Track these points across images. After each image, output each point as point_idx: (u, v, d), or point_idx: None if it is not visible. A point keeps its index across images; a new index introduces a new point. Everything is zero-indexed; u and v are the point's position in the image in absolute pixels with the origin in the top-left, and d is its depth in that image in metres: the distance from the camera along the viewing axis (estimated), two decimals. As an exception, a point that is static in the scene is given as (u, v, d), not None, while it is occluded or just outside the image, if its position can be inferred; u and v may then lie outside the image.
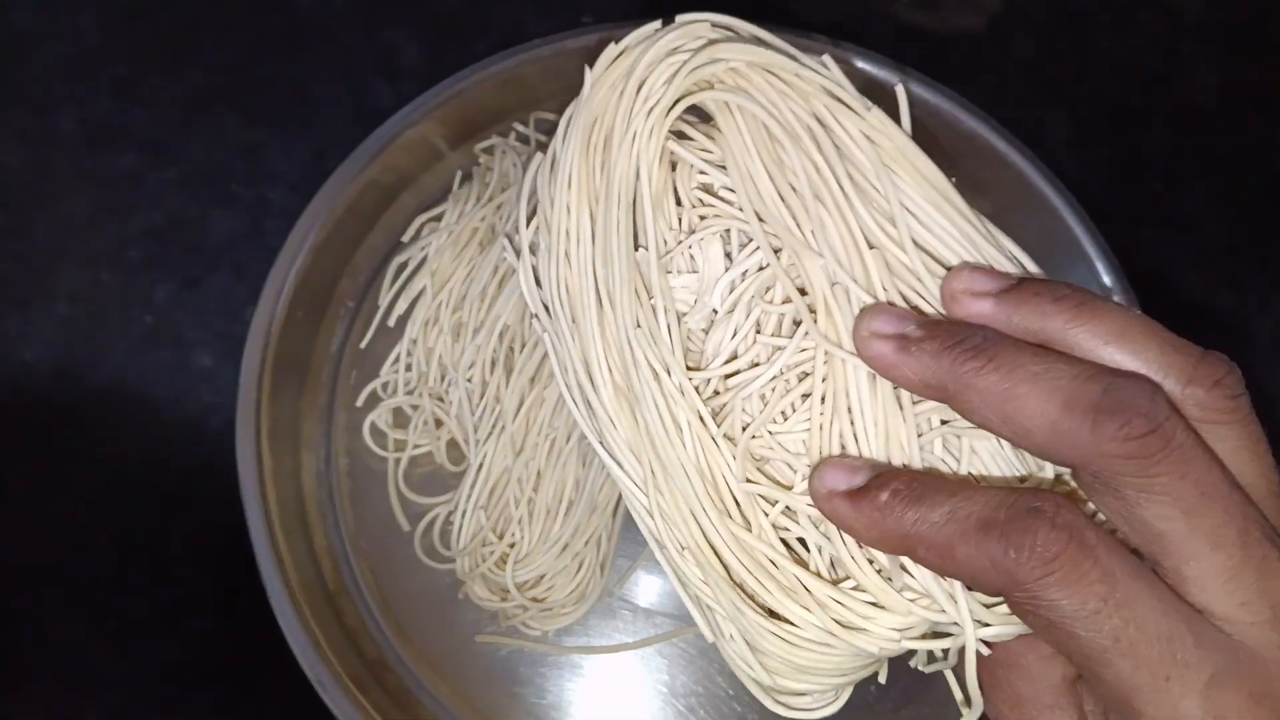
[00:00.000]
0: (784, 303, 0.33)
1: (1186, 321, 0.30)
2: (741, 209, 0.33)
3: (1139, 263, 0.51)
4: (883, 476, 0.28)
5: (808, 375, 0.32)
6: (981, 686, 0.29)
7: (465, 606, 0.47)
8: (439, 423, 0.48)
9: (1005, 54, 0.60)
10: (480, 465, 0.46)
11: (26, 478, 0.49)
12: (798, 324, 0.32)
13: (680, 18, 0.34)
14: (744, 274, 0.33)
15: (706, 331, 0.34)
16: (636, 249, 0.34)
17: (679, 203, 0.35)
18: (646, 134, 0.33)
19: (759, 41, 0.35)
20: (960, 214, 0.32)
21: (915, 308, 0.31)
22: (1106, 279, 0.50)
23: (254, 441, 0.45)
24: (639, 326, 0.33)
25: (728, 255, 0.34)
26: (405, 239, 0.51)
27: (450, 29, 0.57)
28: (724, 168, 0.34)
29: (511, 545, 0.46)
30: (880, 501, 0.28)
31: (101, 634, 0.48)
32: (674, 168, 0.35)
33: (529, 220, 0.36)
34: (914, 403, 0.30)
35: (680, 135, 0.35)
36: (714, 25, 0.35)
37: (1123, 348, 0.27)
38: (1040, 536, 0.25)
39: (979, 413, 0.27)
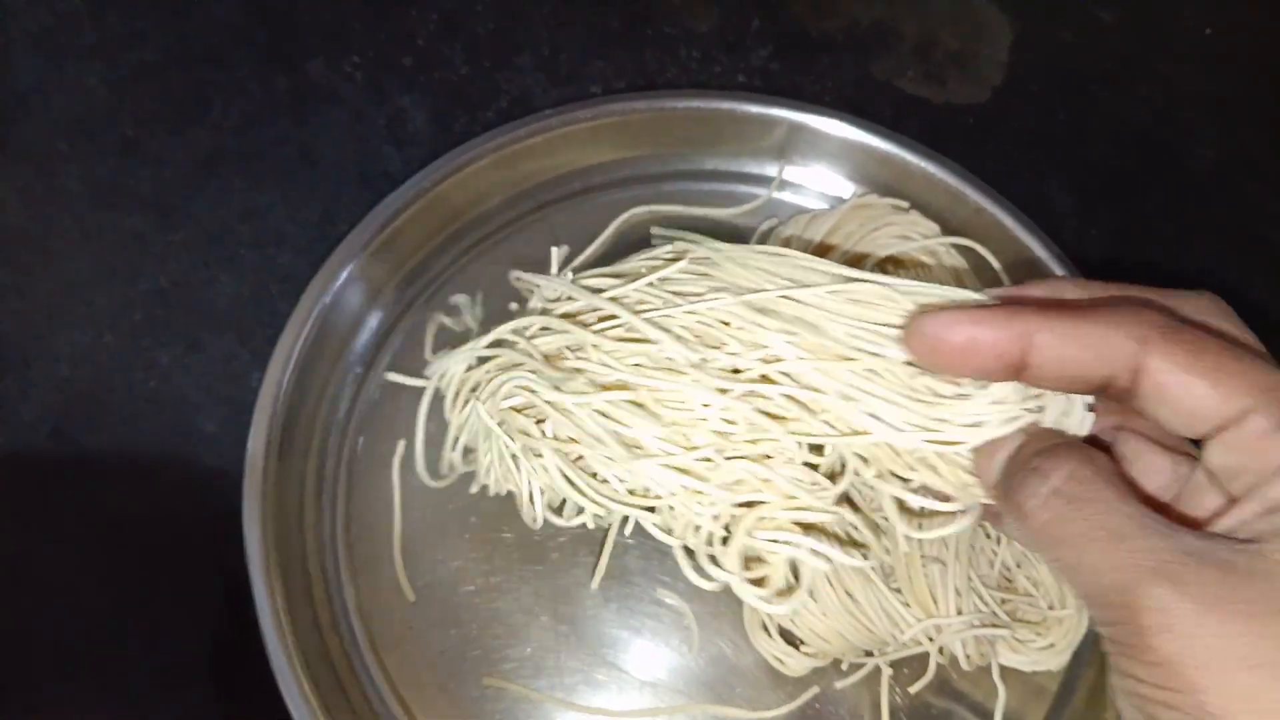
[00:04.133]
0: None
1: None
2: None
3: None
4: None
5: None
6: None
7: (468, 682, 0.46)
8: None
9: (1006, 124, 0.60)
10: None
11: (22, 538, 0.49)
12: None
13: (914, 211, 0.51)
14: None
15: None
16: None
17: None
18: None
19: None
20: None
21: None
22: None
23: (260, 511, 0.45)
24: None
25: None
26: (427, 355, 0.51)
27: (459, 95, 0.57)
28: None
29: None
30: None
31: (97, 698, 0.47)
32: None
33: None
34: None
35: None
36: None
37: None
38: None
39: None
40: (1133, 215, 0.59)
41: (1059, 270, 0.52)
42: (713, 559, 0.38)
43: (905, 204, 0.53)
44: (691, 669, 0.47)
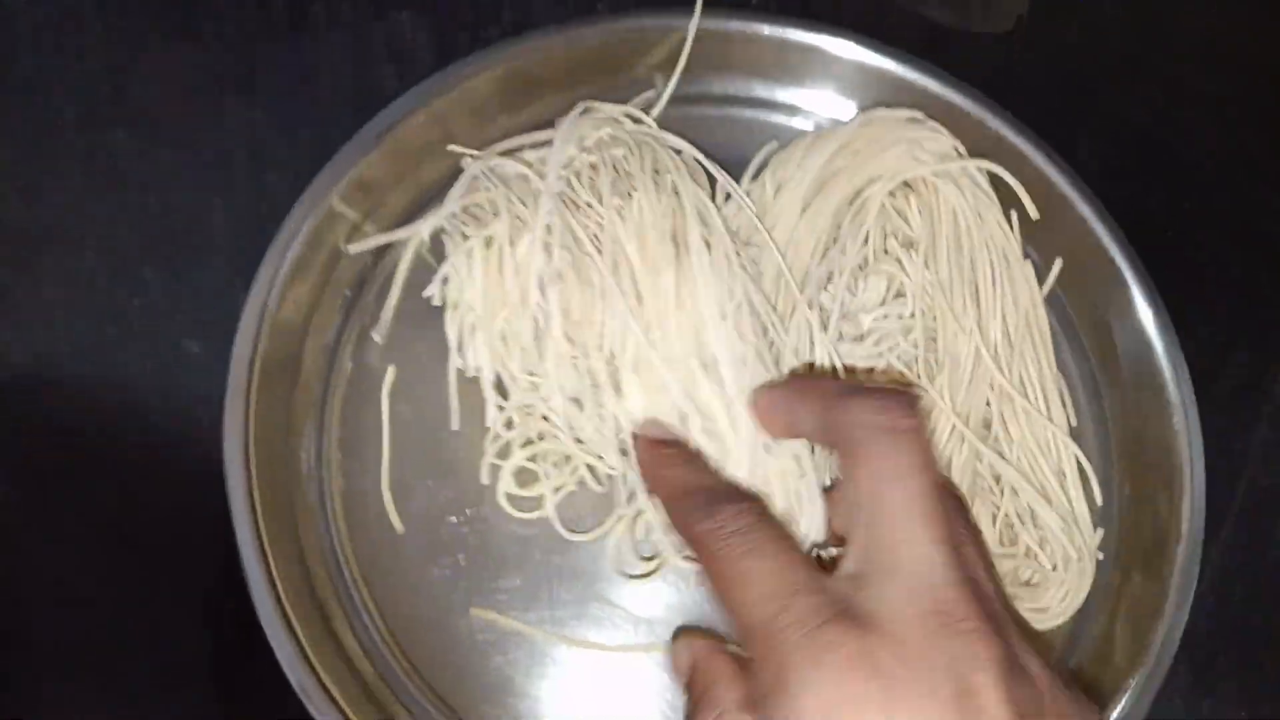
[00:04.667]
0: (914, 348, 0.47)
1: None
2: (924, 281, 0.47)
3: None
4: (677, 444, 0.41)
5: None
6: None
7: (458, 614, 0.45)
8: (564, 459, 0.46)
9: (1033, 55, 0.58)
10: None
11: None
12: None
13: (930, 124, 0.50)
14: (887, 315, 0.47)
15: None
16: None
17: (866, 240, 0.48)
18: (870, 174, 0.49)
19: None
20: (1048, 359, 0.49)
21: None
22: (1133, 285, 0.48)
23: (242, 435, 0.43)
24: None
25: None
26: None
27: (461, 14, 0.55)
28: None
29: None
30: (665, 451, 0.40)
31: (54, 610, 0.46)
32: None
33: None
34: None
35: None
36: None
37: None
38: (722, 508, 0.34)
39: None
40: (1162, 159, 0.57)
41: (1087, 211, 0.49)
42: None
43: (920, 114, 0.50)
44: (688, 605, 0.45)
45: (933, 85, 0.50)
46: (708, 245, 0.43)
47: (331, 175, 0.46)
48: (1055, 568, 0.45)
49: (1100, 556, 0.47)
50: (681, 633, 0.43)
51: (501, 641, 0.45)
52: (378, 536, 0.46)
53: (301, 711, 0.41)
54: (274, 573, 0.42)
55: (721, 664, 0.34)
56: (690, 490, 0.37)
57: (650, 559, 0.46)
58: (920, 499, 0.31)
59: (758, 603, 0.31)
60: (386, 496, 0.46)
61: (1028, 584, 0.46)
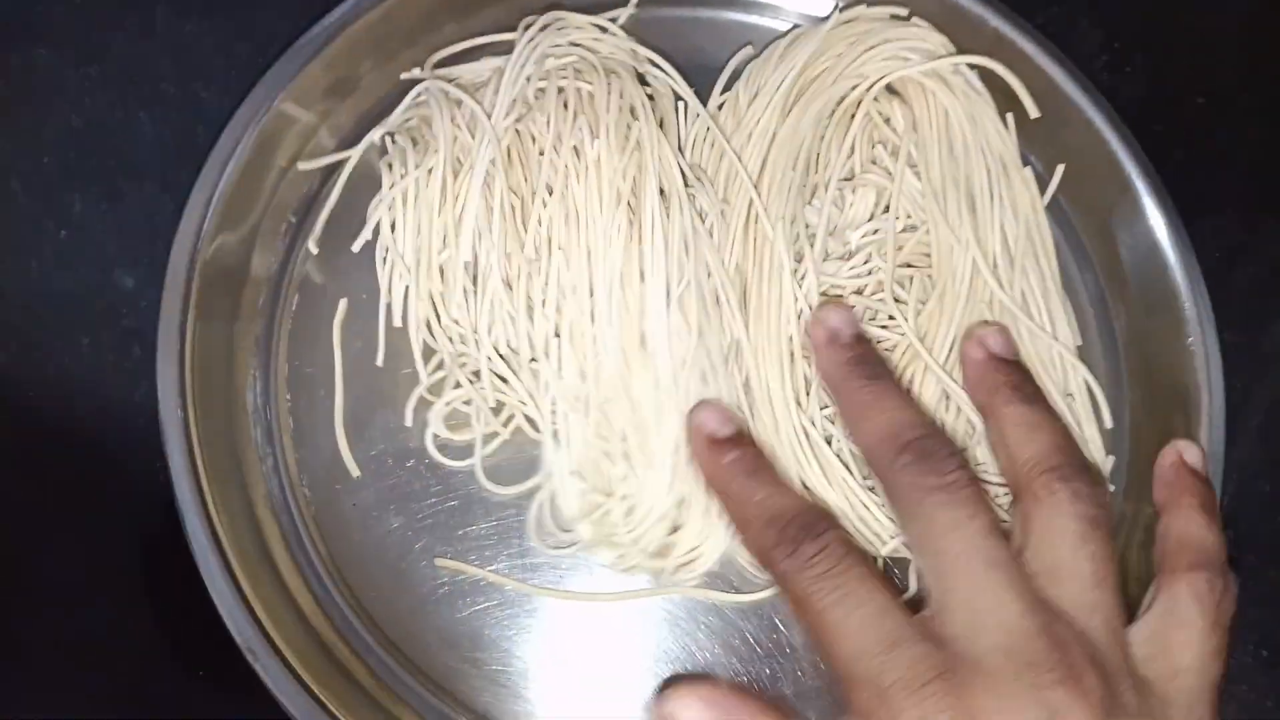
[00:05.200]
0: (905, 267, 0.43)
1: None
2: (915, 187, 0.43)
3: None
4: (739, 441, 0.38)
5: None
6: None
7: (420, 563, 0.42)
8: (499, 406, 0.42)
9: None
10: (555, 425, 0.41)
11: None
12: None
13: (916, 20, 0.46)
14: (876, 231, 0.43)
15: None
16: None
17: (852, 150, 0.44)
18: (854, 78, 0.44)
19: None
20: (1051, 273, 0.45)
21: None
22: (1142, 191, 0.45)
23: (177, 372, 0.40)
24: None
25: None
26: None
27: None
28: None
29: (624, 497, 0.41)
30: (725, 459, 0.37)
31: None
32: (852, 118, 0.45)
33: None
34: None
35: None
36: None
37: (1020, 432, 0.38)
38: (804, 545, 0.33)
39: (846, 414, 0.39)
40: (1172, 51, 0.53)
41: (1092, 111, 0.45)
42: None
43: (904, 11, 0.46)
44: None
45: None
46: (666, 213, 0.40)
47: (269, 88, 0.42)
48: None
49: (1112, 487, 0.43)
50: (677, 686, 0.34)
51: (470, 591, 0.42)
52: (332, 482, 0.42)
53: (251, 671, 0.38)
54: (216, 524, 0.39)
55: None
56: (766, 517, 0.35)
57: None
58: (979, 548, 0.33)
59: (858, 658, 0.31)
60: (341, 439, 0.42)
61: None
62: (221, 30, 0.48)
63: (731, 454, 0.37)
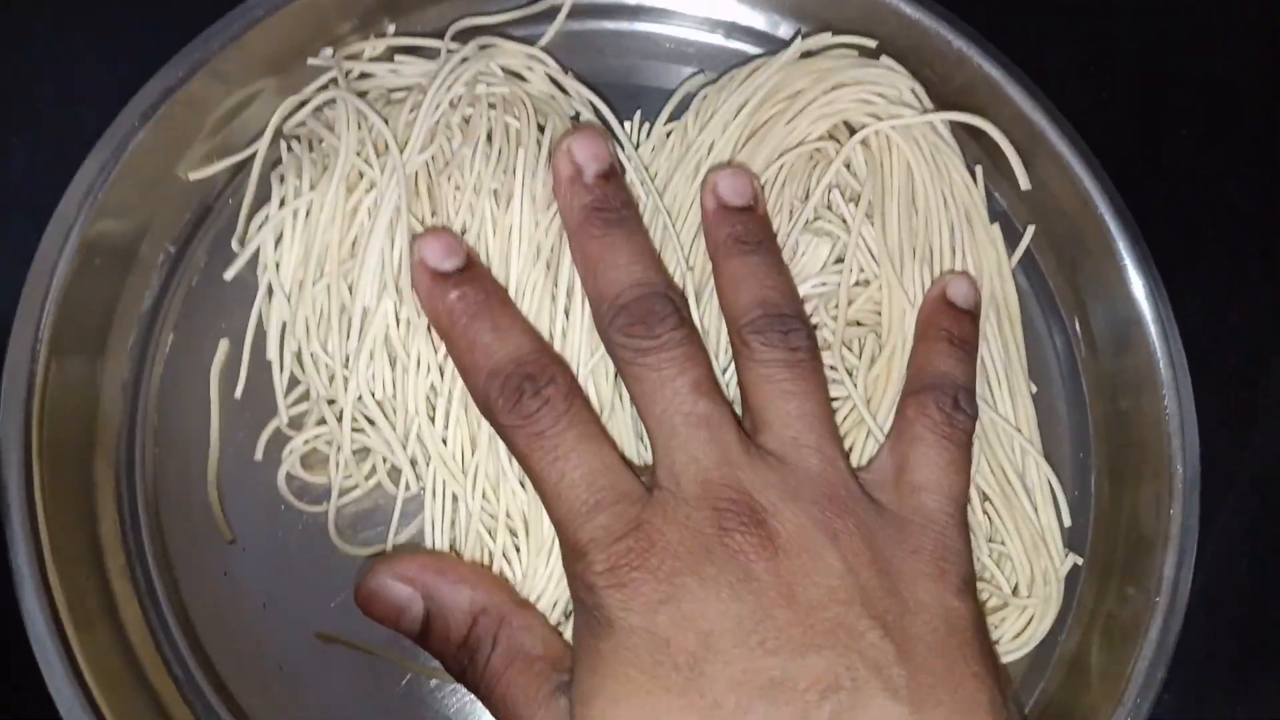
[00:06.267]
0: (855, 325, 0.39)
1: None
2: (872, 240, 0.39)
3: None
4: (463, 277, 0.34)
5: None
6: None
7: (300, 630, 0.37)
8: (364, 451, 0.38)
9: None
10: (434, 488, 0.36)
11: None
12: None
13: (885, 60, 0.42)
14: (824, 284, 0.39)
15: None
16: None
17: (807, 195, 0.40)
18: (814, 119, 0.40)
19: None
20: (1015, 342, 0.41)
21: None
22: (1120, 243, 0.41)
23: (22, 423, 0.35)
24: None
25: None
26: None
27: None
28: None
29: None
30: (448, 299, 0.34)
31: None
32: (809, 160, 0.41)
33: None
34: None
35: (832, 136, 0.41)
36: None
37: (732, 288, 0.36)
38: (524, 401, 0.32)
39: (577, 265, 0.36)
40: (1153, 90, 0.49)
41: (1070, 155, 0.41)
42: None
43: (872, 43, 0.42)
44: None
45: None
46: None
47: (152, 95, 0.38)
48: (1017, 591, 0.38)
49: (1079, 562, 0.39)
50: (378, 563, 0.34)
51: (351, 672, 0.37)
52: (200, 544, 0.38)
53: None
54: (64, 621, 0.34)
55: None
56: (489, 366, 0.33)
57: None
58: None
59: (566, 519, 0.31)
60: (213, 497, 0.38)
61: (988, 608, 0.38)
62: (104, 44, 0.44)
63: (455, 290, 0.34)
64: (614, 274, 0.34)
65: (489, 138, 0.38)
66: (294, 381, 0.38)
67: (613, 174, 0.36)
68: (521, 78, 0.41)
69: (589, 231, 0.35)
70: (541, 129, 0.39)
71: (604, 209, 0.35)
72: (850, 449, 0.37)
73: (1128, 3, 0.50)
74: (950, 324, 0.37)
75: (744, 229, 0.36)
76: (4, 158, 0.43)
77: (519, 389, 0.32)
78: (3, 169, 0.43)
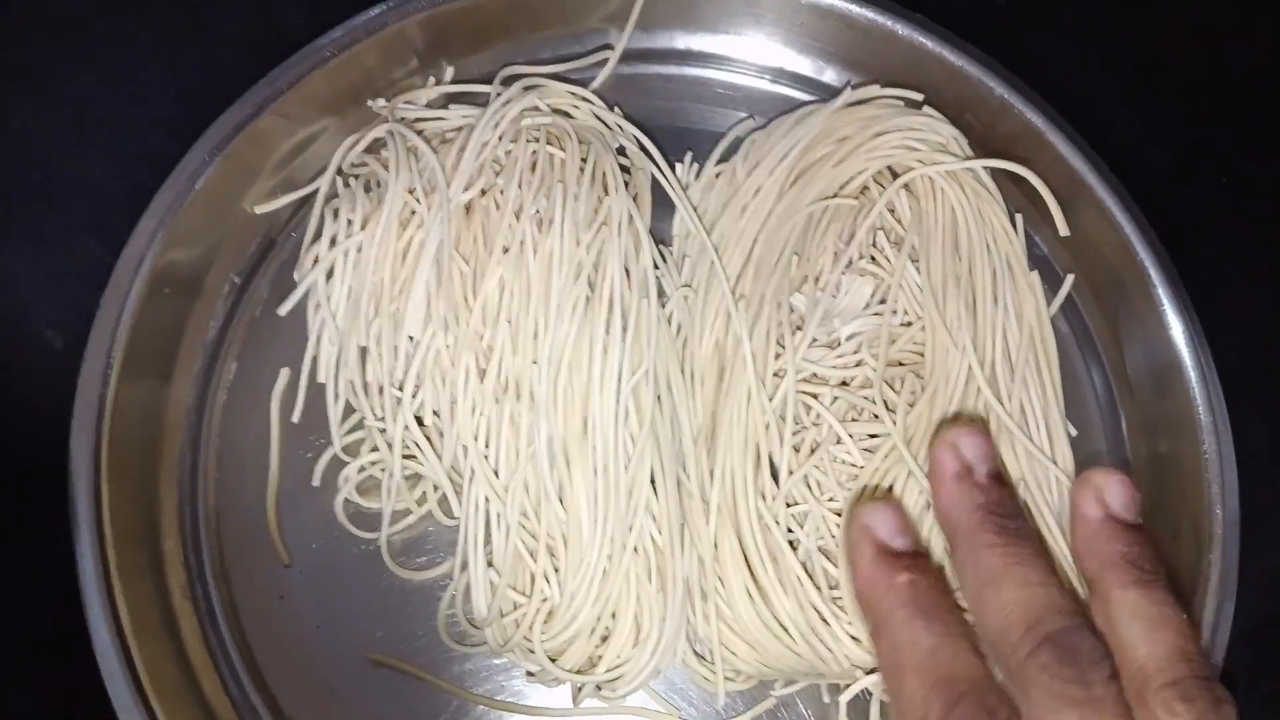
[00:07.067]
0: (896, 365, 0.39)
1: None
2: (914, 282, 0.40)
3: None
4: (915, 563, 0.31)
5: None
6: None
7: (354, 654, 0.38)
8: (415, 477, 0.39)
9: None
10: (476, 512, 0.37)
11: None
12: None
13: (928, 110, 0.43)
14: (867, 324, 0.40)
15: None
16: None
17: (851, 237, 0.41)
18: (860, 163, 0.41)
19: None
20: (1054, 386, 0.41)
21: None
22: (1160, 290, 0.41)
23: (92, 444, 0.36)
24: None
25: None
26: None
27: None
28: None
29: (544, 599, 0.37)
30: (895, 581, 0.30)
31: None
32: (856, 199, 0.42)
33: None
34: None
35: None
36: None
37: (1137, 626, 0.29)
38: None
39: (967, 572, 0.31)
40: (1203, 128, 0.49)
41: (1110, 201, 0.42)
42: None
43: (918, 96, 0.43)
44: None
45: (930, 46, 0.43)
46: (631, 293, 0.38)
47: (224, 132, 0.39)
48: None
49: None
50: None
51: (401, 697, 0.38)
52: (258, 567, 0.39)
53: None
54: (126, 632, 0.35)
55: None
56: (934, 678, 0.29)
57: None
58: None
59: None
60: (272, 521, 0.39)
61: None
62: (172, 65, 0.45)
63: (903, 576, 0.30)
64: (1028, 593, 0.29)
65: (532, 167, 0.39)
66: (349, 410, 0.39)
67: (1001, 476, 0.33)
68: (568, 115, 0.42)
69: (987, 538, 0.31)
70: (584, 160, 0.40)
71: (1003, 515, 0.31)
72: (890, 488, 0.38)
73: (1179, 41, 0.51)
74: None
75: (1138, 552, 0.31)
76: (70, 170, 0.44)
77: (963, 712, 0.28)
78: (67, 182, 0.44)
